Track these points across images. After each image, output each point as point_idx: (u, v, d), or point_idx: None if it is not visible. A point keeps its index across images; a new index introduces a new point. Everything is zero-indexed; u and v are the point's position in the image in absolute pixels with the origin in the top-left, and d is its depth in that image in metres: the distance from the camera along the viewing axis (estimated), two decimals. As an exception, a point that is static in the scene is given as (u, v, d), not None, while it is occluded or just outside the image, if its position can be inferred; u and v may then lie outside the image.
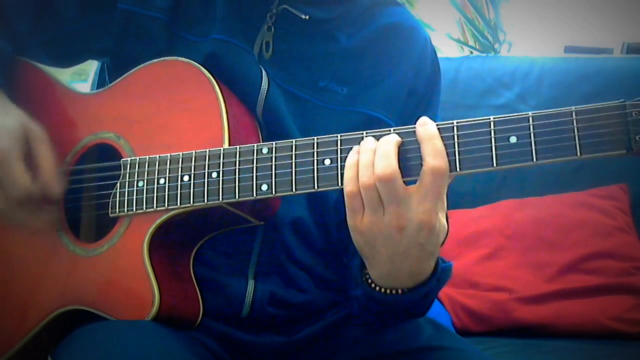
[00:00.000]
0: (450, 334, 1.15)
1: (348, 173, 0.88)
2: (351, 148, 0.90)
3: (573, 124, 0.81)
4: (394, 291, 0.96)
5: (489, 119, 0.85)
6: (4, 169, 0.98)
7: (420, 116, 1.07)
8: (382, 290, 0.96)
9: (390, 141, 0.87)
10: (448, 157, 0.86)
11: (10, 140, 0.99)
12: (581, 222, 1.93)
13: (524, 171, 2.08)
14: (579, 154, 0.81)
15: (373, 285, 0.97)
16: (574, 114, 0.81)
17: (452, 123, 0.87)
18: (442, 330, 1.13)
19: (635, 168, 2.05)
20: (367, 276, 0.97)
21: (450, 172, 0.86)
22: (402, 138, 0.88)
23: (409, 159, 0.87)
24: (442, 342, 1.08)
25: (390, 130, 0.89)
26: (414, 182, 0.87)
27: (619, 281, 1.81)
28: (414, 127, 0.88)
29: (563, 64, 2.26)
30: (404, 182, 0.87)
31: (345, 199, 0.89)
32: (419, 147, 0.87)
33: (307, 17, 1.08)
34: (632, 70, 2.16)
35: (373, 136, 0.90)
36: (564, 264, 1.87)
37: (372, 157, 0.87)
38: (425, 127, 0.87)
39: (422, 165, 0.86)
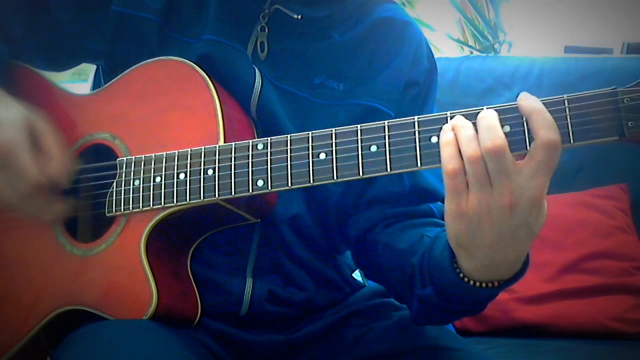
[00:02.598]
0: (450, 334, 1.14)
1: (447, 150, 0.82)
2: (346, 141, 0.90)
3: (565, 112, 0.81)
4: (489, 284, 0.89)
5: (483, 109, 0.84)
6: (11, 161, 0.98)
7: (420, 108, 1.06)
8: (479, 284, 0.88)
9: (492, 114, 0.82)
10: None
11: (14, 132, 0.98)
12: (581, 222, 1.93)
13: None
14: (572, 141, 0.81)
15: (466, 279, 0.89)
16: (566, 102, 0.81)
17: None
18: (442, 330, 1.13)
19: (635, 168, 2.05)
20: (459, 270, 0.90)
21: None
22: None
23: (511, 134, 0.82)
24: (442, 342, 1.08)
25: (384, 123, 0.88)
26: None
27: (619, 281, 1.81)
28: (509, 105, 0.83)
29: (563, 64, 2.26)
30: None
31: (446, 180, 0.82)
32: (524, 122, 0.82)
33: (299, 16, 1.08)
34: (632, 70, 2.16)
35: (377, 126, 0.87)
36: (564, 264, 1.86)
37: (473, 131, 0.81)
38: (532, 101, 0.81)
39: (527, 139, 0.81)
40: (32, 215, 1.03)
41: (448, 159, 0.82)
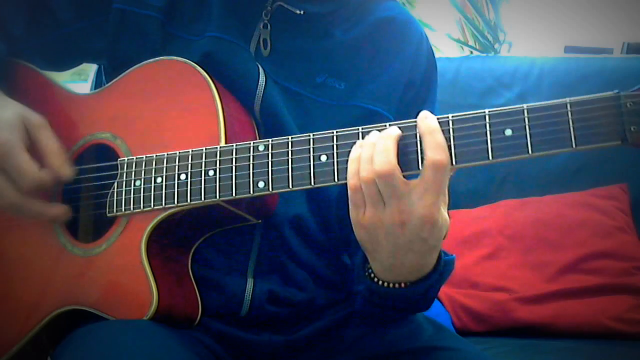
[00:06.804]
0: (450, 334, 1.15)
1: (351, 167, 0.88)
2: (347, 144, 0.90)
3: (568, 116, 0.82)
4: (396, 285, 0.96)
5: (484, 112, 0.86)
6: (9, 160, 0.98)
7: (419, 109, 1.08)
8: (384, 283, 0.96)
9: (390, 136, 0.87)
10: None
11: (10, 132, 0.99)
12: (581, 222, 1.93)
13: (524, 171, 2.08)
14: (574, 145, 0.81)
15: (375, 279, 0.97)
16: (568, 105, 0.82)
17: (448, 117, 0.87)
18: (442, 330, 1.13)
19: (635, 168, 2.05)
20: (370, 270, 0.98)
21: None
22: (402, 132, 0.88)
23: (409, 153, 0.87)
24: (442, 342, 1.08)
25: (386, 125, 0.89)
26: (416, 176, 0.87)
27: (619, 281, 1.81)
28: (414, 121, 0.88)
29: (563, 64, 2.25)
30: (405, 176, 0.87)
31: (349, 193, 0.89)
32: (418, 142, 0.87)
33: (302, 12, 1.08)
34: (632, 70, 2.16)
35: (377, 130, 0.90)
36: (564, 264, 1.86)
37: (372, 151, 0.87)
38: (427, 121, 0.87)
39: (422, 159, 0.86)
40: (36, 214, 1.03)
41: (350, 176, 0.88)
